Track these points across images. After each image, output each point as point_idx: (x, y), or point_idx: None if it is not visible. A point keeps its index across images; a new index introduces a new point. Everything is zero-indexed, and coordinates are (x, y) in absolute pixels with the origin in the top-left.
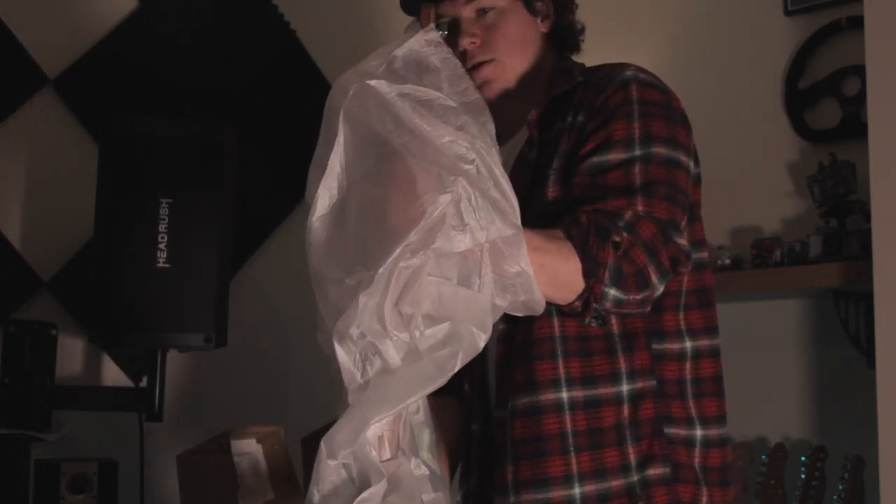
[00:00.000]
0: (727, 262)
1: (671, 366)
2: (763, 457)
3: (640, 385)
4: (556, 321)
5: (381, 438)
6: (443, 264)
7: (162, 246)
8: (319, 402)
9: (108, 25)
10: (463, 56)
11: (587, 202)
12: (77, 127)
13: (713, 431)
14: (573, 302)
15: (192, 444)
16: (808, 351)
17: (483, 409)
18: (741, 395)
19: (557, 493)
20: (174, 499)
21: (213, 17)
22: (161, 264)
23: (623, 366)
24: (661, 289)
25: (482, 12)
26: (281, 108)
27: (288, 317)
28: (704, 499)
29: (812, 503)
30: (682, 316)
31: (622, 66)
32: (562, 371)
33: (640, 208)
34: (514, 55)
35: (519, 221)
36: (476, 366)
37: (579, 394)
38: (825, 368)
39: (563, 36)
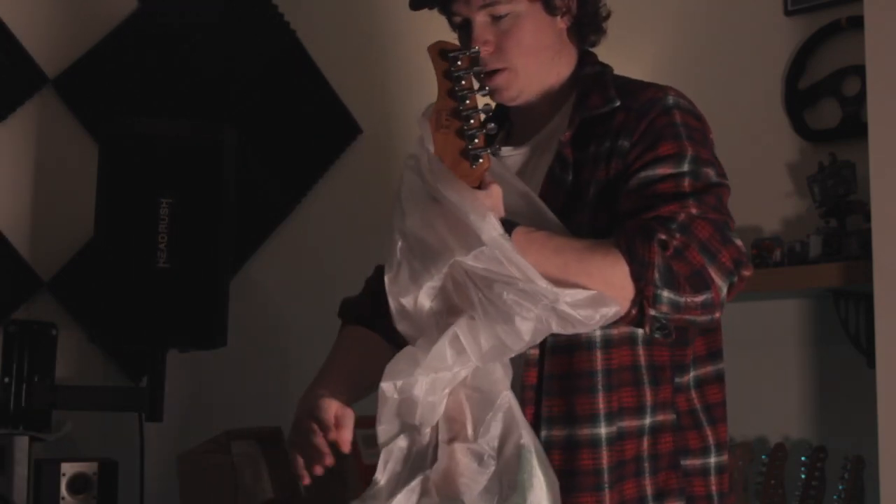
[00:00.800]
0: None
1: (680, 398)
2: (763, 457)
3: (660, 418)
4: (598, 354)
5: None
6: None
7: (162, 246)
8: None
9: (108, 25)
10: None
11: (637, 213)
12: (77, 127)
13: (724, 456)
14: (630, 310)
15: (192, 444)
16: (808, 351)
17: None
18: (741, 395)
19: None
20: (174, 499)
21: (214, 18)
22: (161, 264)
23: (648, 399)
24: (725, 291)
25: (497, 18)
26: (281, 108)
27: (288, 317)
28: None
29: (812, 503)
30: (691, 347)
31: (664, 91)
32: (601, 406)
33: (693, 210)
34: (528, 62)
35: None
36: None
37: (613, 428)
38: (825, 368)
39: (584, 27)
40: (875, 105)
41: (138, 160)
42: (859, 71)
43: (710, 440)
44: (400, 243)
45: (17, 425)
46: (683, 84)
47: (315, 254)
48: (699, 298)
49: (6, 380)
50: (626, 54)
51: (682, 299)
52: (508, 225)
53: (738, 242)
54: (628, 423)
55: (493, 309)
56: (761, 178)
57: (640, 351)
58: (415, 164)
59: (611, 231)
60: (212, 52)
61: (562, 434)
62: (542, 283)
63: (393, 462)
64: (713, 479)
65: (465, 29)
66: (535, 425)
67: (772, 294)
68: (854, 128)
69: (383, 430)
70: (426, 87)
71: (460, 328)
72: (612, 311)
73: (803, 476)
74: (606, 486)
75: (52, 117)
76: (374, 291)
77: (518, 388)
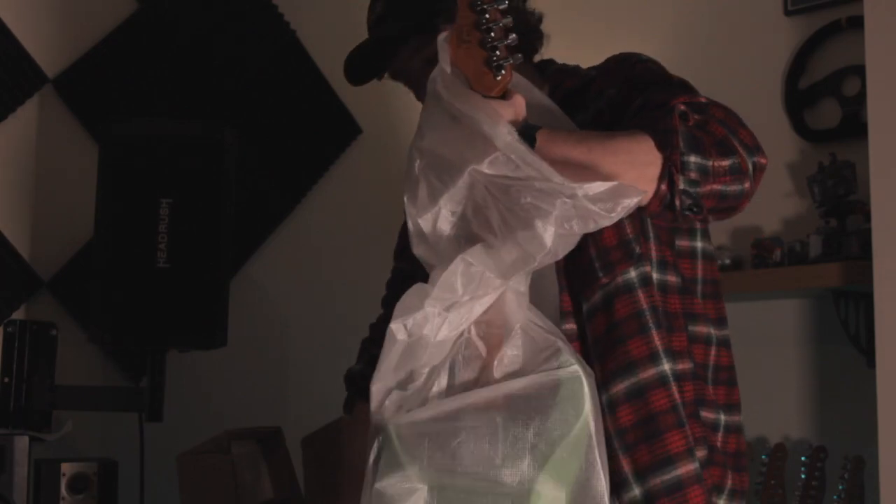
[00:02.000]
0: (727, 262)
1: (699, 349)
2: (763, 457)
3: (680, 366)
4: (640, 294)
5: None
6: None
7: (162, 246)
8: (319, 402)
9: (108, 25)
10: None
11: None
12: (77, 127)
13: (732, 417)
14: (659, 186)
15: (192, 444)
16: (808, 351)
17: None
18: (741, 394)
19: (686, 468)
20: (174, 499)
21: (213, 18)
22: (161, 264)
23: (659, 344)
24: (751, 162)
25: (429, 62)
26: (281, 108)
27: (288, 317)
28: (728, 482)
29: (812, 503)
30: (701, 302)
31: (633, 52)
32: (658, 343)
33: (702, 99)
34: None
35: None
36: None
37: (676, 366)
38: (825, 368)
39: (523, 39)
40: (875, 105)
41: (138, 160)
42: (859, 71)
43: (722, 398)
44: (418, 162)
45: (17, 425)
46: None
47: (315, 254)
48: (726, 162)
49: (6, 380)
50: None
51: (710, 162)
52: (531, 128)
53: (749, 128)
54: (648, 373)
55: (513, 217)
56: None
57: (657, 297)
58: (433, 85)
59: None
60: (212, 52)
61: (624, 385)
62: (558, 179)
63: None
64: (720, 435)
65: (410, 85)
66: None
67: (772, 294)
68: (854, 128)
69: (384, 374)
70: None
71: (472, 254)
72: (634, 200)
73: (803, 476)
74: (685, 420)
75: (52, 117)
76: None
77: None
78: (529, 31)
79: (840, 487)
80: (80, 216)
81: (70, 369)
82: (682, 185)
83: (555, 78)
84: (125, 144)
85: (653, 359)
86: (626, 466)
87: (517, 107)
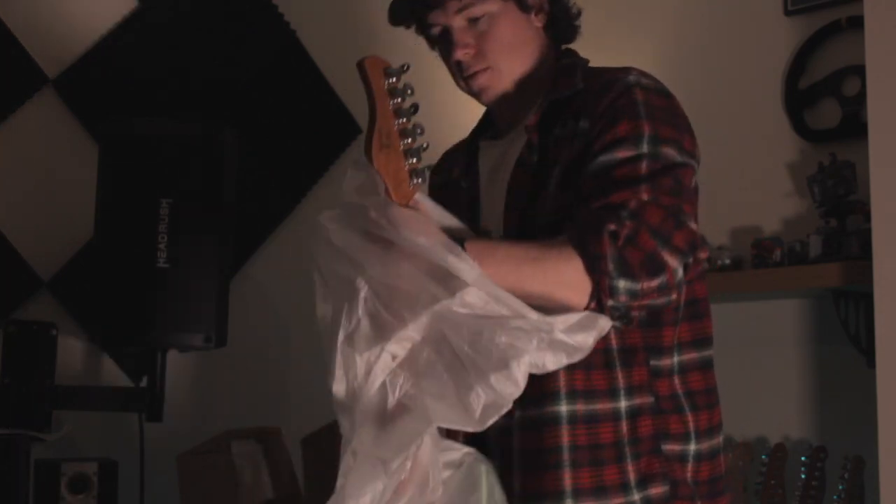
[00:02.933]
0: (727, 262)
1: (663, 382)
2: (763, 457)
3: (637, 401)
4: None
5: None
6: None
7: (162, 246)
8: (319, 402)
9: (108, 25)
10: (458, 65)
11: (592, 200)
12: (77, 127)
13: (704, 445)
14: (588, 304)
15: (192, 444)
16: (808, 351)
17: None
18: (741, 395)
19: (617, 499)
20: (174, 499)
21: (213, 17)
22: (161, 264)
23: (621, 382)
24: (681, 271)
25: (473, 21)
26: (281, 108)
27: (288, 317)
28: None
29: (812, 503)
30: (676, 330)
31: (624, 71)
32: (562, 384)
33: (644, 196)
34: (509, 60)
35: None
36: None
37: (581, 407)
38: (825, 368)
39: (559, 25)
40: (875, 105)
41: (138, 160)
42: (859, 71)
43: (691, 426)
44: (363, 293)
45: (17, 425)
46: (683, 84)
47: None
48: (655, 282)
49: (6, 380)
50: (626, 54)
51: (639, 286)
52: (457, 242)
53: (692, 226)
54: (602, 406)
55: (484, 358)
56: (761, 178)
57: (611, 334)
58: (365, 212)
59: (569, 215)
60: (212, 51)
61: (529, 413)
62: (534, 316)
63: None
64: (690, 465)
65: (443, 38)
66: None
67: (772, 294)
68: (854, 128)
69: None
70: (426, 87)
71: (436, 414)
72: (606, 328)
73: (803, 476)
74: (567, 464)
75: (52, 117)
76: None
77: None
78: (568, 23)
79: (840, 487)
80: (80, 216)
81: (70, 369)
82: (610, 303)
83: (557, 77)
84: (125, 144)
85: (555, 397)
86: (567, 482)
87: (426, 218)
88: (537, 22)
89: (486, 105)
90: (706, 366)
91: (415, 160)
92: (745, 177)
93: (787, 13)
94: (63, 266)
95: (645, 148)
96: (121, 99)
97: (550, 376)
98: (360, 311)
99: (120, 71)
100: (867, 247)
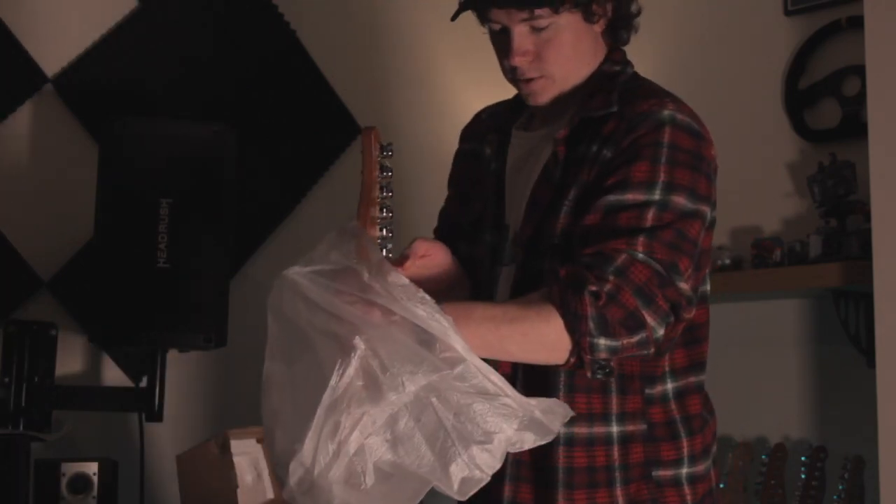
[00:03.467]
0: (727, 262)
1: (656, 409)
2: (763, 457)
3: (630, 428)
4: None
5: None
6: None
7: (162, 246)
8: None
9: (108, 25)
10: (513, 69)
11: (588, 241)
12: (77, 127)
13: (700, 467)
14: (568, 360)
15: (192, 444)
16: (808, 351)
17: None
18: (741, 395)
19: None
20: (174, 499)
21: (213, 17)
22: (161, 264)
23: (615, 408)
24: (660, 331)
25: (537, 29)
26: (281, 108)
27: None
28: None
29: (812, 503)
30: (667, 358)
31: (662, 104)
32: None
33: (639, 250)
34: (566, 69)
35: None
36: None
37: (580, 430)
38: (825, 368)
39: (619, 28)
40: (875, 105)
41: (138, 160)
42: (859, 71)
43: (685, 451)
44: (360, 352)
45: (17, 425)
46: (683, 84)
47: None
48: (634, 339)
49: (6, 380)
50: (626, 54)
51: (619, 343)
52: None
53: (682, 285)
54: (598, 430)
55: (469, 431)
56: (761, 178)
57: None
58: (318, 273)
59: (572, 242)
60: (212, 51)
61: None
62: (517, 397)
63: None
64: (686, 489)
65: (502, 36)
66: None
67: (772, 294)
68: (854, 128)
69: None
70: (426, 87)
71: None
72: (569, 415)
73: (803, 476)
74: (560, 485)
75: (52, 117)
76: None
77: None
78: (629, 24)
79: (840, 487)
80: (80, 216)
81: (70, 369)
82: (591, 361)
83: (594, 84)
84: (125, 144)
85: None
86: (507, 492)
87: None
88: (598, 28)
89: (531, 105)
90: (701, 389)
91: (385, 232)
92: (745, 177)
93: (787, 13)
94: (63, 266)
95: (656, 195)
96: (121, 99)
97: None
98: (354, 370)
99: (120, 71)
100: (867, 247)
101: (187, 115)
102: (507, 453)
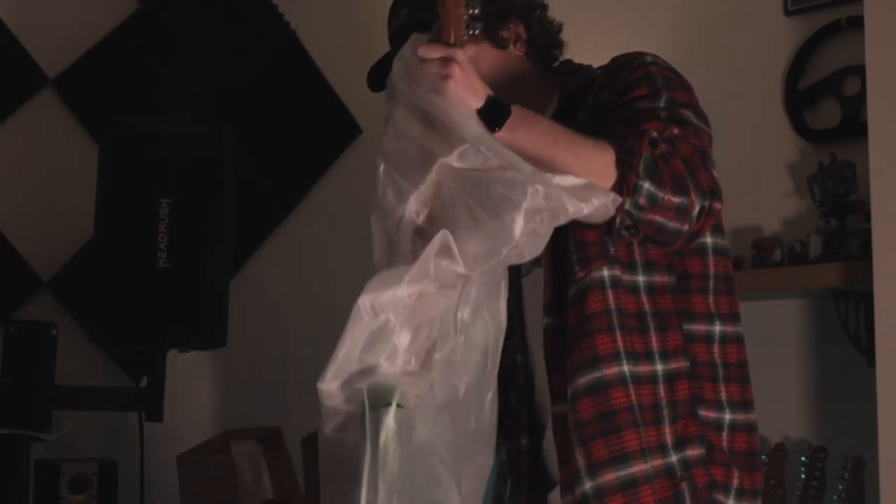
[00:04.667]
0: None
1: (700, 347)
2: (763, 457)
3: (673, 366)
4: (609, 293)
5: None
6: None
7: (162, 246)
8: (319, 402)
9: (108, 25)
10: None
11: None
12: (77, 127)
13: (739, 416)
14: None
15: (192, 444)
16: (808, 351)
17: (530, 422)
18: None
19: (639, 467)
20: (174, 499)
21: (213, 18)
22: (161, 264)
23: (656, 345)
24: (698, 206)
25: None
26: (281, 108)
27: (288, 317)
28: (735, 482)
29: (812, 503)
30: (711, 299)
31: (640, 53)
32: (620, 344)
33: (675, 131)
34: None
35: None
36: (520, 376)
37: (637, 368)
38: (825, 368)
39: (541, 47)
40: (875, 105)
41: (138, 160)
42: (859, 71)
43: (723, 396)
44: (382, 166)
45: (17, 425)
46: None
47: (315, 254)
48: (676, 199)
49: (6, 380)
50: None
51: (661, 194)
52: (503, 104)
53: (715, 173)
54: (641, 369)
55: (482, 210)
56: (761, 178)
57: (644, 298)
58: (396, 80)
59: None
60: (212, 52)
61: (587, 379)
62: (529, 169)
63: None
64: (725, 434)
65: None
66: (564, 387)
67: (772, 294)
68: (854, 128)
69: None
70: None
71: (445, 237)
72: (603, 200)
73: (803, 476)
74: (640, 422)
75: (52, 117)
76: None
77: (539, 366)
78: (550, 40)
79: (840, 487)
80: (80, 216)
81: (70, 369)
82: (627, 206)
83: (565, 78)
84: (125, 144)
85: (616, 357)
86: (581, 460)
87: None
88: (517, 52)
89: None
90: (741, 341)
91: (474, 10)
92: (745, 177)
93: (787, 13)
94: (63, 266)
95: (662, 104)
96: (121, 99)
97: (605, 339)
98: (381, 183)
99: (120, 71)
100: (867, 247)
101: (187, 115)
102: (568, 426)
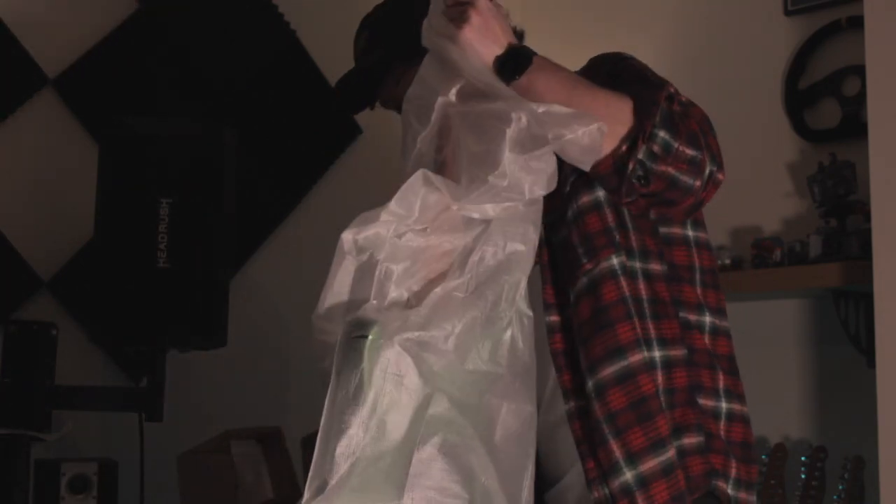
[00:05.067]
0: (727, 262)
1: (697, 335)
2: (763, 457)
3: (671, 353)
4: (623, 281)
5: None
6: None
7: (162, 246)
8: (319, 402)
9: (108, 25)
10: None
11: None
12: (77, 127)
13: (736, 406)
14: (620, 146)
15: (192, 444)
16: (808, 351)
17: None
18: None
19: (672, 451)
20: (174, 499)
21: (214, 18)
22: (161, 264)
23: (653, 332)
24: (709, 170)
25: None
26: (281, 108)
27: (288, 317)
28: (733, 471)
29: (812, 503)
30: (699, 291)
31: (617, 52)
32: (640, 331)
33: (684, 98)
34: None
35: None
36: None
37: (668, 353)
38: (825, 368)
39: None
40: (875, 105)
41: (138, 160)
42: (859, 71)
43: (720, 384)
44: (405, 110)
45: (17, 425)
46: (683, 84)
47: (315, 254)
48: (691, 152)
49: (6, 380)
50: None
51: (676, 144)
52: (529, 51)
53: (717, 141)
54: (649, 354)
55: (477, 142)
56: (761, 178)
57: (642, 285)
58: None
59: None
60: (212, 52)
61: (613, 370)
62: (514, 98)
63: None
64: (723, 423)
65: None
66: (581, 380)
67: (772, 294)
68: (854, 128)
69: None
70: None
71: (423, 174)
72: (587, 127)
73: (803, 476)
74: (664, 406)
75: (52, 117)
76: None
77: (546, 364)
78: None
79: (840, 487)
80: (80, 216)
81: (70, 369)
82: (641, 155)
83: None
84: (125, 144)
85: (638, 344)
86: (618, 451)
87: (508, 19)
88: None
89: None
90: (729, 336)
91: None
92: (745, 177)
93: (787, 13)
94: (63, 266)
95: (658, 88)
96: (121, 99)
97: (626, 327)
98: (404, 125)
99: (120, 71)
100: (867, 247)
101: (187, 115)
102: (593, 419)
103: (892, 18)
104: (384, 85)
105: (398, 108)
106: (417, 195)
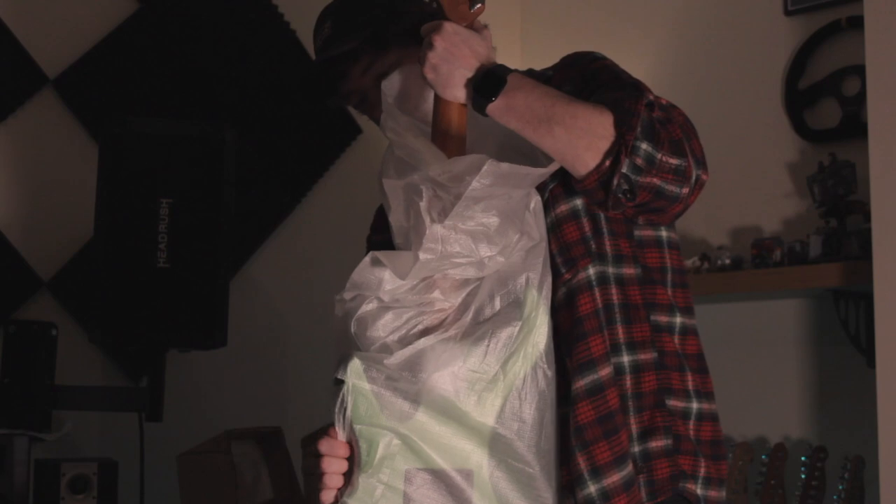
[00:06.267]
0: (727, 262)
1: (666, 337)
2: (763, 457)
3: (641, 357)
4: (596, 291)
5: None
6: None
7: (162, 246)
8: (319, 402)
9: (108, 25)
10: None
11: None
12: (77, 127)
13: (705, 405)
14: (603, 162)
15: (192, 444)
16: (808, 351)
17: None
18: (741, 395)
19: (630, 466)
20: (174, 499)
21: (213, 18)
22: (161, 264)
23: (622, 337)
24: (695, 175)
25: (380, 78)
26: (281, 108)
27: (288, 317)
28: (702, 470)
29: (812, 503)
30: (670, 292)
31: (589, 51)
32: (608, 342)
33: (664, 101)
34: None
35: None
36: None
37: (637, 357)
38: (825, 368)
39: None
40: (875, 105)
41: (138, 160)
42: (859, 71)
43: (690, 385)
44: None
45: (17, 425)
46: (683, 84)
47: (315, 254)
48: (675, 161)
49: (6, 380)
50: (625, 54)
51: (659, 155)
52: (503, 69)
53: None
54: (618, 360)
55: (407, 213)
56: (761, 178)
57: (614, 290)
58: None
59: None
60: (212, 52)
61: (584, 383)
62: (426, 163)
63: None
64: (692, 423)
65: (363, 104)
66: (566, 390)
67: (772, 294)
68: (854, 128)
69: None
70: None
71: (374, 253)
72: (482, 164)
73: (803, 476)
74: (633, 411)
75: (52, 117)
76: None
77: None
78: None
79: (840, 487)
80: (80, 216)
81: (70, 369)
82: (625, 168)
83: None
84: (125, 144)
85: (607, 357)
86: (582, 464)
87: (487, 41)
88: None
89: None
90: (697, 333)
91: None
92: (745, 177)
93: (787, 13)
94: (63, 266)
95: (632, 90)
96: (121, 99)
97: (598, 340)
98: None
99: (120, 71)
100: (867, 247)
101: (187, 115)
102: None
103: (892, 18)
104: (349, 77)
105: (362, 102)
106: (371, 273)
